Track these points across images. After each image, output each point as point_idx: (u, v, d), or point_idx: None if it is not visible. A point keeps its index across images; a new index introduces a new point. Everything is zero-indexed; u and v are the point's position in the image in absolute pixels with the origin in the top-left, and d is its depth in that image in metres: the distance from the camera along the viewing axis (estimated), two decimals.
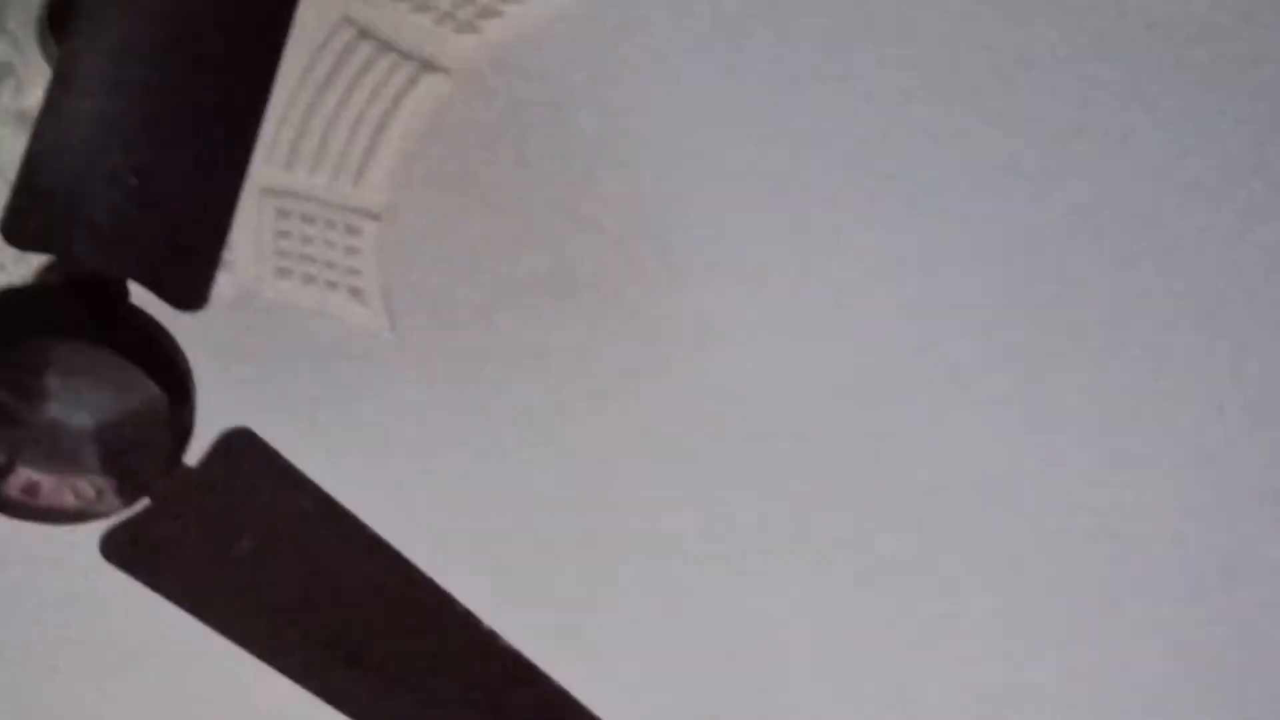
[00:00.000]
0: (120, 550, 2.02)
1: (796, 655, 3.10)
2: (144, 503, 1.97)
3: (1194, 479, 2.81)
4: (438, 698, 2.34)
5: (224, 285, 2.53)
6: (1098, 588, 2.98)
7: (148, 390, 1.86)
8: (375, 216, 2.50)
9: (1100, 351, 2.64)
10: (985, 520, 2.87)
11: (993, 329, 2.61)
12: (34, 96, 2.32)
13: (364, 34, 2.35)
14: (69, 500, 1.92)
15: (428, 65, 2.38)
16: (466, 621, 2.24)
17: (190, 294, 1.84)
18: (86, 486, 1.91)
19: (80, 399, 1.85)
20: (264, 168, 2.44)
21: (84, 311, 1.86)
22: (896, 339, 2.65)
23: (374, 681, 2.27)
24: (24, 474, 1.89)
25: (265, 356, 2.68)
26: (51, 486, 1.90)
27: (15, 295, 1.91)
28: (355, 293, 2.59)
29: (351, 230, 2.52)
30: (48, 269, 1.92)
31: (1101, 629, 3.06)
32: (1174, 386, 2.68)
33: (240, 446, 1.98)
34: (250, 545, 2.03)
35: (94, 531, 1.99)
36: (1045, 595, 3.00)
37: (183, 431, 1.92)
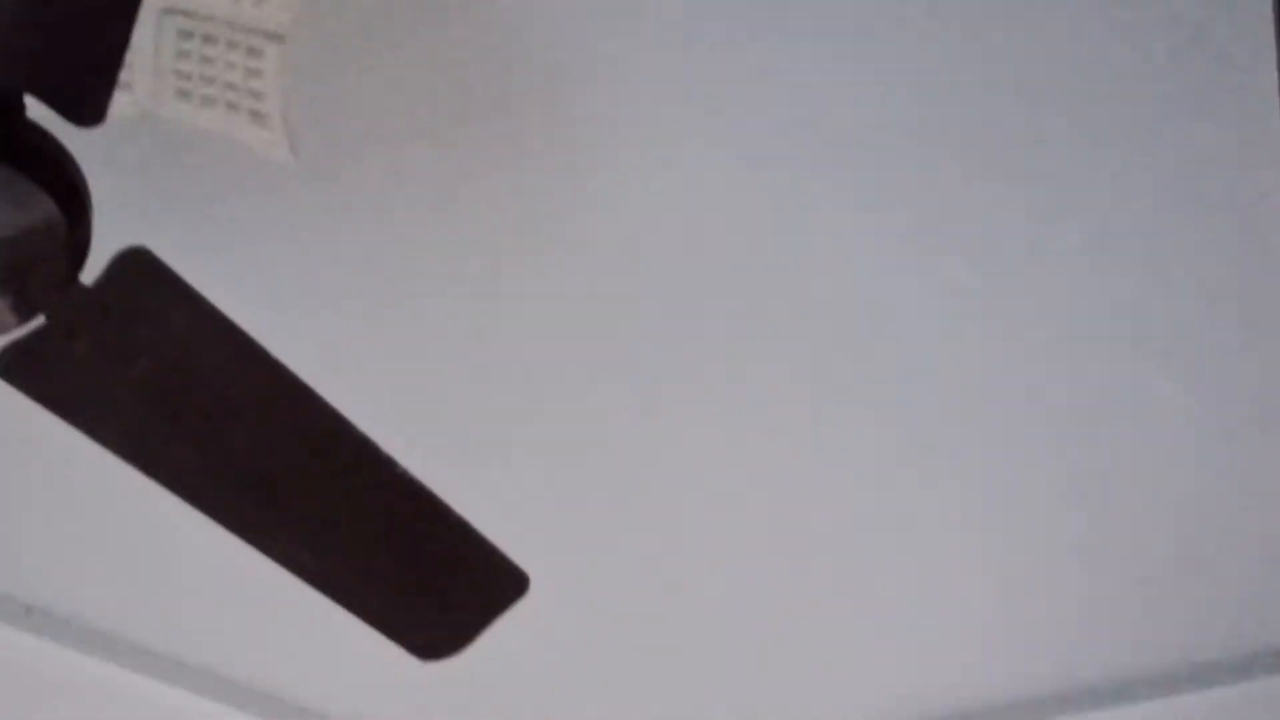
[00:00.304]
0: (15, 369, 2.00)
1: (697, 491, 3.13)
2: (39, 321, 1.95)
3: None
4: (334, 522, 2.35)
5: (124, 105, 2.50)
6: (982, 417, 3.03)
7: (44, 207, 1.83)
8: (278, 38, 2.46)
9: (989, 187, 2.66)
10: (898, 356, 2.89)
11: (890, 163, 2.60)
12: None
13: None
14: None
15: None
16: (365, 448, 2.25)
17: (87, 109, 1.81)
18: None
19: None
20: None
21: None
22: (810, 187, 2.64)
23: (270, 504, 2.28)
24: None
25: (165, 179, 2.65)
26: None
27: None
28: (256, 116, 2.55)
29: (253, 52, 2.48)
30: None
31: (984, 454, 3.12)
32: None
33: (138, 267, 1.96)
34: (148, 366, 2.02)
35: None
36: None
37: (79, 250, 1.90)
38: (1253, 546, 3.29)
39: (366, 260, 2.76)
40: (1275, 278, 2.76)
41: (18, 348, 1.98)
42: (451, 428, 2.96)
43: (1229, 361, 2.92)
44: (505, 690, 3.45)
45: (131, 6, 1.81)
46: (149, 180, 2.64)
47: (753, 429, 3.00)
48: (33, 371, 2.01)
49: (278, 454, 2.20)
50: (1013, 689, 3.55)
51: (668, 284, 2.79)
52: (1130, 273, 2.75)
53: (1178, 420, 3.04)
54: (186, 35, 2.49)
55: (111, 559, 3.20)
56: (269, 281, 2.75)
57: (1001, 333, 2.86)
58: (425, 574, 2.49)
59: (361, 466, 2.28)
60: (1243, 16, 2.31)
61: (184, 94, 2.54)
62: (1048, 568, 3.30)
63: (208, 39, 2.48)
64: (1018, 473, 3.12)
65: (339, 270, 2.77)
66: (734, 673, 3.48)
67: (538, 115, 2.54)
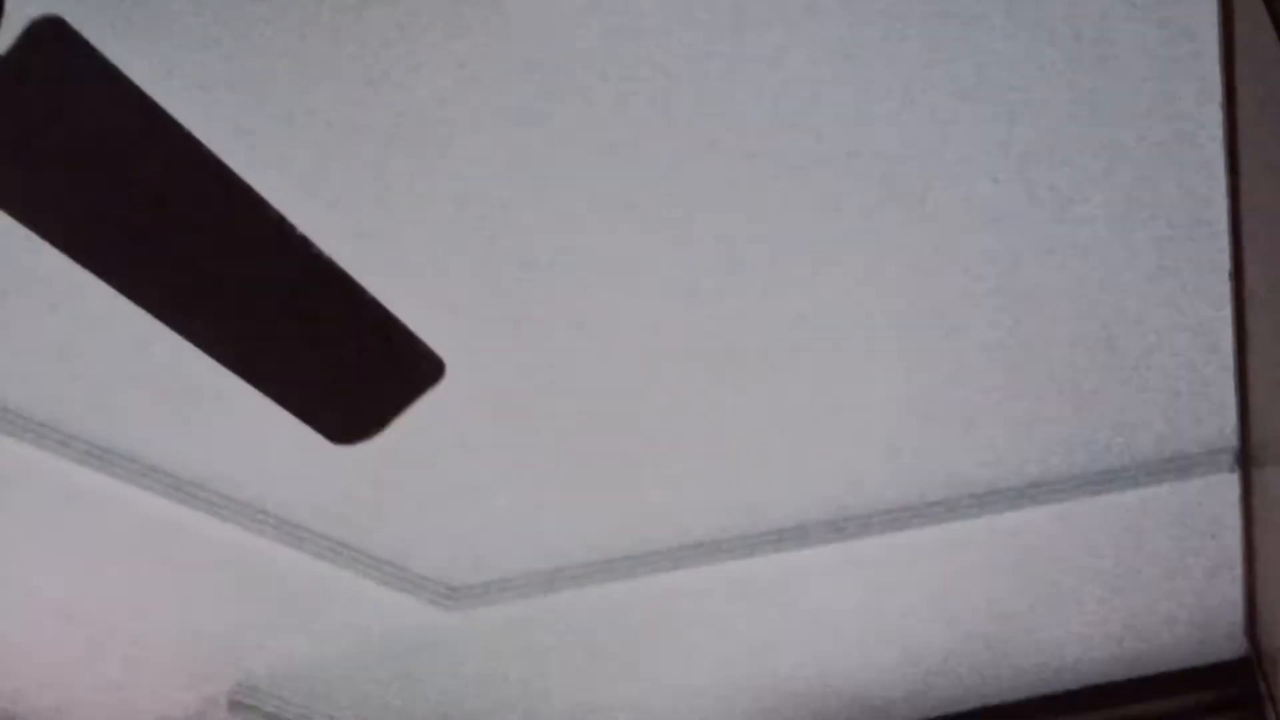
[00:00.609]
0: None
1: (616, 288, 3.13)
2: None
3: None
4: (249, 303, 2.35)
5: None
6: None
7: None
8: None
9: None
10: (819, 150, 2.89)
11: None
12: None
13: None
14: None
15: None
16: (283, 228, 2.23)
17: None
18: None
19: None
20: None
21: None
22: None
23: (184, 284, 2.27)
24: None
25: None
26: None
27: None
28: None
29: None
30: None
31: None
32: None
33: (52, 36, 1.94)
34: (61, 136, 2.00)
35: None
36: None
37: None
38: (1172, 350, 3.33)
39: (285, 51, 2.71)
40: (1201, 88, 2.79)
41: None
42: (370, 214, 2.94)
43: (1152, 166, 2.94)
44: (417, 477, 3.47)
45: None
46: None
47: (674, 228, 3.00)
48: None
49: (192, 231, 2.19)
50: (933, 488, 3.60)
51: (585, 89, 2.77)
52: (1056, 82, 2.76)
53: (1100, 223, 3.06)
54: None
55: (24, 340, 3.18)
56: (185, 55, 2.70)
57: (930, 134, 2.86)
58: (341, 357, 2.48)
59: (279, 247, 2.26)
60: None
61: None
62: (969, 367, 3.33)
63: None
64: (942, 273, 3.14)
65: (259, 61, 2.73)
66: (644, 466, 3.51)
67: None
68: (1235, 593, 3.83)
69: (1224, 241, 3.05)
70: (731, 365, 3.31)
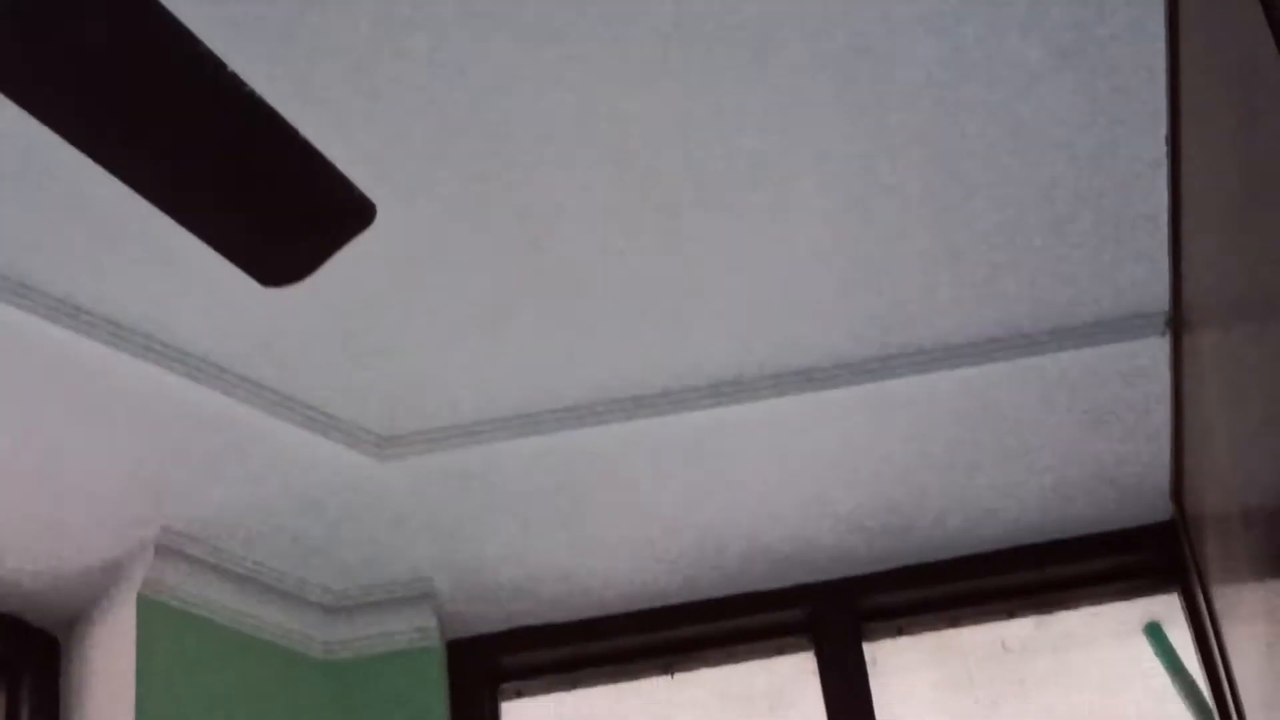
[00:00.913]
0: None
1: (552, 127, 3.11)
2: None
3: None
4: (179, 142, 2.32)
5: None
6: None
7: None
8: None
9: None
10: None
11: None
12: None
13: None
14: None
15: None
16: (210, 63, 2.20)
17: None
18: None
19: None
20: None
21: None
22: None
23: (112, 119, 2.23)
24: None
25: None
26: None
27: None
28: None
29: None
30: None
31: None
32: None
33: None
34: None
35: None
36: None
37: None
38: (1105, 211, 3.35)
39: None
40: None
41: None
42: (301, 56, 2.90)
43: (1086, 13, 2.94)
44: (351, 325, 3.45)
45: None
46: None
47: (615, 68, 2.98)
48: None
49: (119, 65, 2.15)
50: (859, 346, 3.61)
51: None
52: None
53: (1033, 80, 3.06)
54: None
55: None
56: None
57: None
58: (271, 199, 2.46)
59: (209, 83, 2.23)
60: None
61: None
62: (898, 225, 3.34)
63: None
64: (872, 129, 3.14)
65: None
66: (576, 320, 3.50)
67: None
68: (1163, 457, 3.87)
69: (1162, 103, 3.05)
70: (659, 219, 3.30)
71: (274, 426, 3.59)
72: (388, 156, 3.07)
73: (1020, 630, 4.16)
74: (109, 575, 3.86)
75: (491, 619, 4.20)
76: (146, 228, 3.01)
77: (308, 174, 2.40)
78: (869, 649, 4.13)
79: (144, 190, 2.39)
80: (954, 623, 4.18)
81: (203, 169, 2.38)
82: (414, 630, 4.09)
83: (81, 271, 3.23)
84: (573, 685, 4.24)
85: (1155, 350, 3.61)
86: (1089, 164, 3.25)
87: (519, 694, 4.24)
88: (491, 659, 4.22)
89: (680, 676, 4.21)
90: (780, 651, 4.21)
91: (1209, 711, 3.90)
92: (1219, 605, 3.67)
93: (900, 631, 4.17)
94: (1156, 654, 4.07)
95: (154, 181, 2.39)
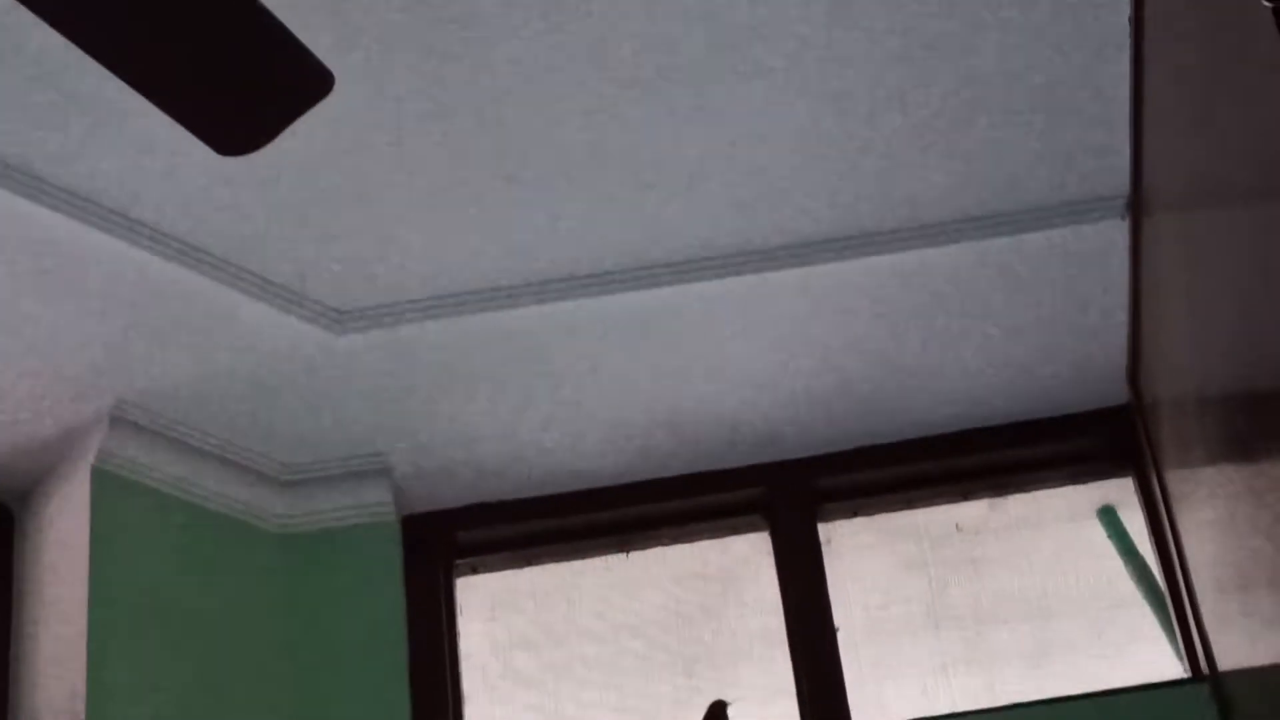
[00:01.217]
0: None
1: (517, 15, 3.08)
2: None
3: None
4: (134, 5, 2.29)
5: None
6: None
7: None
8: None
9: None
10: None
11: None
12: None
13: None
14: None
15: None
16: None
17: None
18: None
19: None
20: None
21: None
22: None
23: None
24: None
25: None
26: None
27: None
28: None
29: None
30: None
31: None
32: None
33: None
34: None
35: None
36: None
37: None
38: (1067, 94, 3.34)
39: None
40: None
41: None
42: None
43: None
44: (308, 199, 3.42)
45: None
46: None
47: None
48: None
49: None
50: (822, 226, 3.60)
51: None
52: None
53: None
54: None
55: None
56: None
57: None
58: (229, 67, 2.43)
59: None
60: None
61: None
62: (864, 106, 3.33)
63: None
64: (837, 12, 3.12)
65: None
66: (538, 194, 3.48)
67: None
68: (1120, 340, 3.88)
69: None
70: (623, 96, 3.28)
71: (231, 300, 3.57)
72: (348, 32, 3.04)
73: (974, 512, 4.18)
74: (64, 447, 3.84)
75: (447, 495, 4.19)
76: (105, 96, 2.99)
77: (266, 42, 2.37)
78: (824, 529, 4.15)
79: (102, 58, 2.36)
80: (909, 504, 4.19)
81: (161, 36, 2.35)
82: (369, 505, 4.08)
83: (41, 141, 3.19)
84: (528, 562, 4.24)
85: (1115, 234, 3.61)
86: (1052, 48, 3.23)
87: (474, 570, 4.24)
88: (447, 535, 4.22)
89: (635, 555, 4.23)
90: (735, 531, 4.22)
91: (1161, 594, 3.93)
92: (1172, 489, 3.69)
93: (855, 513, 4.19)
94: (1109, 537, 4.09)
95: (112, 49, 2.36)
